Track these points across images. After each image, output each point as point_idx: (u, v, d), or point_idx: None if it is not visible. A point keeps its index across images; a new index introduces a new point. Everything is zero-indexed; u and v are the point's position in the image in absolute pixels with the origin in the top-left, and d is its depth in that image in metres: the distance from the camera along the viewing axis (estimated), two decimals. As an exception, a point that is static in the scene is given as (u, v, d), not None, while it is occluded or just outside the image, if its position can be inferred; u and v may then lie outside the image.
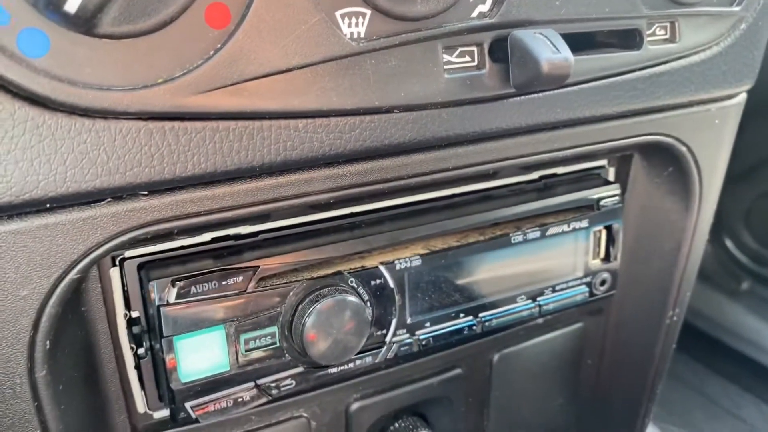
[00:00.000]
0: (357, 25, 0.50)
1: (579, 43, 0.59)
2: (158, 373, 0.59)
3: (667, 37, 0.64)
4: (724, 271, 1.96)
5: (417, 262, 0.65)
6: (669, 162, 0.74)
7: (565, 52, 0.53)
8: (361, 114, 0.52)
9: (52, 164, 0.43)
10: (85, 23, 0.41)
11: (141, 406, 0.62)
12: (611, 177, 0.78)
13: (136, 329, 0.58)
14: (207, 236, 0.58)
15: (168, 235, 0.54)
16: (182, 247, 0.58)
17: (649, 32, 0.63)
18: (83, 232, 0.47)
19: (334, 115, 0.51)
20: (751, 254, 1.92)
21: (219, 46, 0.45)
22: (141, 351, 0.59)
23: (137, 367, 0.60)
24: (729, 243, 1.97)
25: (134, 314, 0.58)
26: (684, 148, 0.71)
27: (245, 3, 0.45)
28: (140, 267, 0.57)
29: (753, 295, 1.91)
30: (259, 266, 0.57)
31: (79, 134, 0.44)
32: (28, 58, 0.40)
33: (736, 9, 0.66)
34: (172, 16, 0.44)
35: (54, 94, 0.42)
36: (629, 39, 0.62)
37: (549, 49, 0.52)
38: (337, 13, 0.49)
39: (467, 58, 0.55)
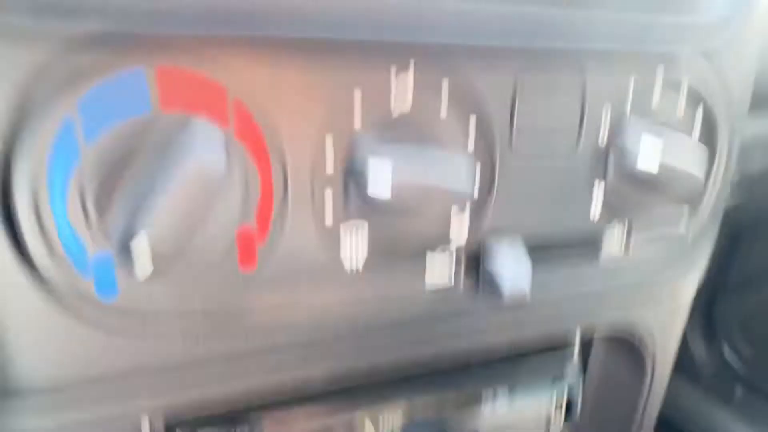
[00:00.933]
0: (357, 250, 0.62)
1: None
2: None
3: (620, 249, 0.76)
4: (718, 377, 2.02)
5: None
6: (625, 346, 0.85)
7: (525, 283, 0.65)
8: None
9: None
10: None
11: None
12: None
13: None
14: None
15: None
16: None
17: (604, 245, 0.75)
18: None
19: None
20: (747, 361, 1.97)
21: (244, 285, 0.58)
22: None
23: None
24: (725, 349, 2.03)
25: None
26: (638, 335, 0.82)
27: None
28: None
29: (746, 404, 1.96)
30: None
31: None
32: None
33: (684, 228, 0.78)
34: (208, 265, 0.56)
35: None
36: (588, 251, 0.74)
37: (511, 277, 0.64)
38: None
39: (446, 269, 0.67)
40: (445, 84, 0.57)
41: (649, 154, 0.63)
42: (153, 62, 0.46)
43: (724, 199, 0.80)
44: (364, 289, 0.63)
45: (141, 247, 0.49)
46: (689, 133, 0.73)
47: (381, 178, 0.53)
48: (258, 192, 0.54)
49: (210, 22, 0.47)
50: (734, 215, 1.27)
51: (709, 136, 0.76)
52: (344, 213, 0.58)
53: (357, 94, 0.54)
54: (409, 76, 0.55)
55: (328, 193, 0.57)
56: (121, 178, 0.49)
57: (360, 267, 0.62)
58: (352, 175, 0.56)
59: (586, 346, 0.89)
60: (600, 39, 0.61)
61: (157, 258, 0.50)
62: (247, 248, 0.57)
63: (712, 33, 0.71)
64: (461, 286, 0.67)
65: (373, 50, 0.53)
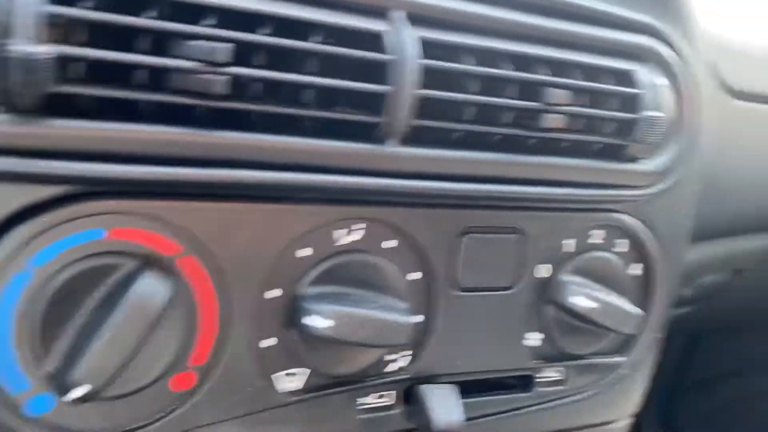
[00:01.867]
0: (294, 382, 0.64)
1: (478, 385, 0.74)
2: None
3: (557, 379, 0.79)
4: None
5: None
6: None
7: (458, 414, 0.67)
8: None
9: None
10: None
11: None
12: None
13: None
14: None
15: None
16: None
17: (540, 375, 0.77)
18: None
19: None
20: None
21: (177, 404, 0.59)
22: None
23: None
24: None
25: None
26: None
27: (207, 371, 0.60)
28: None
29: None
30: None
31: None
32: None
33: (620, 359, 0.82)
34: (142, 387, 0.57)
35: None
36: (523, 382, 0.77)
37: (445, 412, 0.67)
38: (278, 374, 0.63)
39: (383, 399, 0.70)
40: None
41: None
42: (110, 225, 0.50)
43: (660, 334, 0.84)
44: (296, 415, 0.65)
45: (77, 376, 0.51)
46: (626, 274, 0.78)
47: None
48: (198, 325, 0.57)
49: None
50: (693, 321, 1.32)
51: (646, 278, 0.81)
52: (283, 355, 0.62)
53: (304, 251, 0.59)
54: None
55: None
56: (68, 307, 0.52)
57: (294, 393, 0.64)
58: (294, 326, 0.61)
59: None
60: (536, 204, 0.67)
61: (92, 383, 0.52)
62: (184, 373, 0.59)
63: (650, 182, 0.76)
64: (396, 415, 0.70)
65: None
